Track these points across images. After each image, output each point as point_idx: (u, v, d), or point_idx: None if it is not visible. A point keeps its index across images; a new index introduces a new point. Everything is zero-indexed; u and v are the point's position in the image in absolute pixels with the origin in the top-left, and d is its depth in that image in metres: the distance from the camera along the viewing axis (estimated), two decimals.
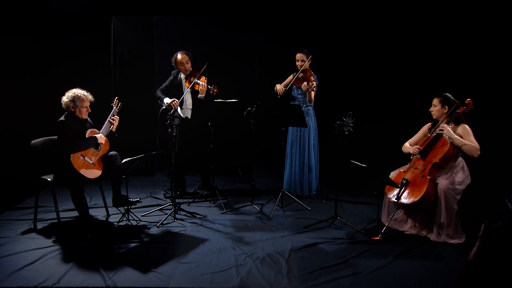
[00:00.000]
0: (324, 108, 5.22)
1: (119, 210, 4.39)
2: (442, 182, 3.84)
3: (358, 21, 5.70)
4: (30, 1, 5.62)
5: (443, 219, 3.78)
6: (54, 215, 4.18)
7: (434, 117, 4.07)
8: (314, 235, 3.96)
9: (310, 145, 5.00)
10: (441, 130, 3.93)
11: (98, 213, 4.49)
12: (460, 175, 3.88)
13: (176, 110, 4.75)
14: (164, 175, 5.83)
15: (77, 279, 3.12)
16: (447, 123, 3.94)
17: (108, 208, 4.48)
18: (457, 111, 3.92)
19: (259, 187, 5.44)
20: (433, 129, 4.05)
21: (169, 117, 4.45)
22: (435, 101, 4.03)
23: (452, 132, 3.89)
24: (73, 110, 4.06)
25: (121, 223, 4.19)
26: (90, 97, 4.12)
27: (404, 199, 3.88)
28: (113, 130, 4.28)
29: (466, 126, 3.91)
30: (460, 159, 3.95)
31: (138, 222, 4.22)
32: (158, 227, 4.12)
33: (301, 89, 4.88)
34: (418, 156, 4.03)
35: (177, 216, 4.36)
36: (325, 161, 5.20)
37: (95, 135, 4.12)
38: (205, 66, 4.74)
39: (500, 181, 4.77)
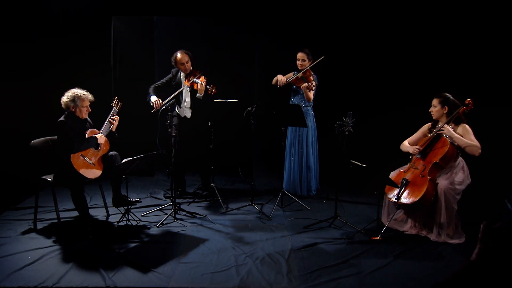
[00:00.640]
0: (324, 108, 5.22)
1: (119, 210, 4.39)
2: (442, 182, 3.84)
3: (358, 21, 5.70)
4: (30, 1, 5.61)
5: (443, 219, 3.79)
6: (54, 215, 4.19)
7: (434, 118, 4.07)
8: (314, 235, 3.96)
9: (308, 145, 5.00)
10: (441, 130, 3.93)
11: (98, 213, 4.49)
12: (460, 175, 3.88)
13: (159, 110, 4.72)
14: (164, 175, 5.83)
15: (77, 279, 3.13)
16: (447, 123, 3.94)
17: (108, 208, 4.48)
18: (457, 111, 3.92)
19: (259, 187, 5.44)
20: (433, 129, 4.05)
21: (169, 117, 4.45)
22: (435, 101, 4.02)
23: (452, 131, 3.89)
24: (73, 110, 4.06)
25: (121, 223, 4.19)
26: (90, 96, 4.12)
27: (404, 199, 3.88)
28: (113, 130, 4.28)
29: (466, 125, 3.91)
30: (460, 159, 3.95)
31: (138, 222, 4.22)
32: (158, 227, 4.12)
33: (300, 88, 4.90)
34: (418, 156, 4.03)
35: (177, 216, 4.36)
36: (325, 161, 5.20)
37: (95, 135, 4.12)
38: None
39: (500, 181, 4.77)
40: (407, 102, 5.41)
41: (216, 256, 3.51)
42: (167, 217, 4.28)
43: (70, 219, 4.35)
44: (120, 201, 4.35)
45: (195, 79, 4.77)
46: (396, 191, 3.96)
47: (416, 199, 3.79)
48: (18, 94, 5.57)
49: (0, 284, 3.05)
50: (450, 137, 3.88)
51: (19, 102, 5.60)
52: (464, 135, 3.86)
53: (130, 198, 4.37)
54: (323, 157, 5.17)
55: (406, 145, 4.20)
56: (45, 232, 3.99)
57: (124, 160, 3.99)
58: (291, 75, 5.01)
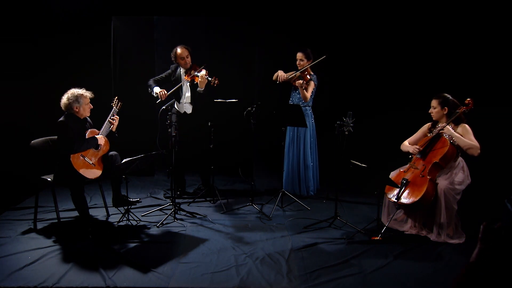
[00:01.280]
0: (323, 108, 5.22)
1: (119, 210, 4.39)
2: (442, 182, 3.84)
3: (358, 21, 5.70)
4: (30, 1, 5.61)
5: (443, 219, 3.79)
6: (54, 215, 4.18)
7: (434, 119, 4.07)
8: (314, 235, 3.96)
9: (306, 145, 4.99)
10: (441, 130, 3.93)
11: (98, 213, 4.49)
12: (460, 175, 3.88)
13: (163, 100, 4.72)
14: (164, 175, 5.83)
15: (77, 279, 3.13)
16: (447, 123, 3.94)
17: (108, 208, 4.48)
18: (457, 111, 3.92)
19: (259, 187, 5.44)
20: (433, 129, 4.05)
21: (169, 116, 4.45)
22: (434, 102, 4.01)
23: (452, 131, 3.89)
24: (77, 110, 4.06)
25: (121, 223, 4.18)
26: (89, 93, 4.15)
27: (404, 199, 3.88)
28: (113, 130, 4.28)
29: (466, 125, 3.91)
30: (460, 159, 3.95)
31: (138, 222, 4.22)
32: (158, 227, 4.12)
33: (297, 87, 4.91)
34: (418, 156, 4.03)
35: (177, 216, 4.36)
36: (325, 161, 5.20)
37: (95, 135, 4.12)
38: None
39: (500, 181, 4.77)
40: (407, 102, 5.41)
41: (216, 256, 3.51)
42: (167, 217, 4.27)
43: (70, 219, 4.35)
44: (120, 201, 4.36)
45: (196, 73, 4.76)
46: (396, 191, 3.96)
47: (416, 199, 3.79)
48: (18, 94, 5.57)
49: (0, 284, 3.05)
50: (450, 136, 3.88)
51: (19, 102, 5.60)
52: (464, 135, 3.86)
53: (130, 198, 4.37)
54: (323, 157, 5.17)
55: (406, 145, 4.20)
56: (45, 232, 4.00)
57: (124, 160, 3.99)
58: (291, 73, 5.02)
